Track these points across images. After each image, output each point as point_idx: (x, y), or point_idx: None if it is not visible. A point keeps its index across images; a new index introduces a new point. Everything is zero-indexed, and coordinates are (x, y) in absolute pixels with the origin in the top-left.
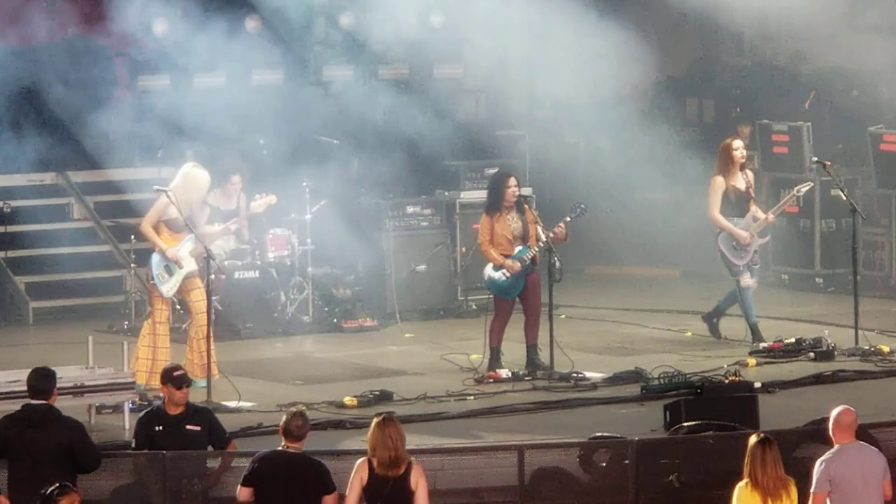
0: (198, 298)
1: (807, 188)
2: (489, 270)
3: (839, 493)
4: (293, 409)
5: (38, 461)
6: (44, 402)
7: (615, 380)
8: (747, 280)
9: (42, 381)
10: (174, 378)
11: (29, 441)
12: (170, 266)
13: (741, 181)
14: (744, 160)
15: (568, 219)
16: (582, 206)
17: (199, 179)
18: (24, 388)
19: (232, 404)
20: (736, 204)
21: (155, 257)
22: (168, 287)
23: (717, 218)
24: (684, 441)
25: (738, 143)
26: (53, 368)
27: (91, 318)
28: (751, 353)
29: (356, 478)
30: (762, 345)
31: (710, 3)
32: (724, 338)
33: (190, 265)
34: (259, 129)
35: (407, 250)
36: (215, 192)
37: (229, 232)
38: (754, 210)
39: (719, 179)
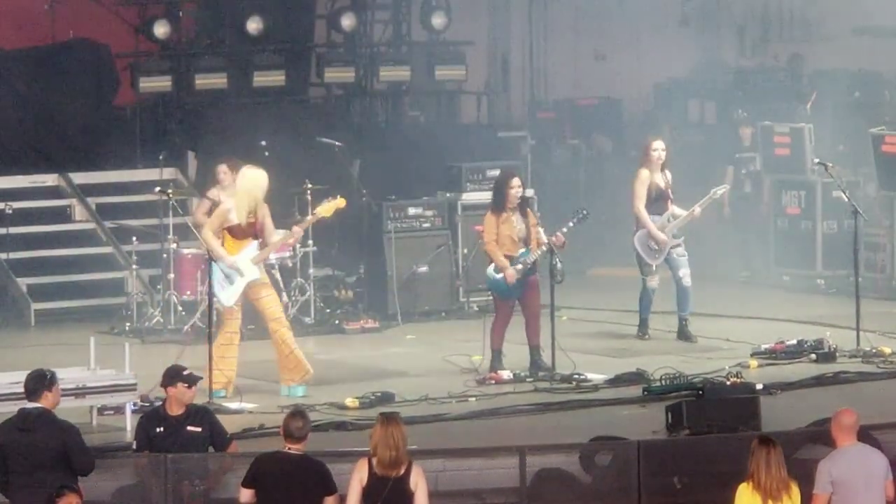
0: (269, 305)
1: (723, 190)
2: (491, 271)
3: (841, 494)
4: (292, 409)
5: (34, 464)
6: (38, 404)
7: (617, 381)
8: (654, 282)
9: (32, 382)
10: (186, 377)
11: (23, 444)
12: (230, 274)
13: (661, 180)
14: (662, 161)
15: (571, 224)
16: (584, 211)
17: (258, 179)
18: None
19: (233, 405)
20: (654, 201)
21: (214, 265)
22: (228, 295)
23: (641, 213)
24: (686, 442)
25: (657, 144)
26: (55, 370)
27: (93, 319)
28: (752, 355)
29: (355, 477)
30: (646, 336)
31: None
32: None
33: (252, 273)
34: (261, 130)
35: (408, 252)
36: (214, 189)
37: (298, 236)
38: (672, 209)
39: (645, 172)
